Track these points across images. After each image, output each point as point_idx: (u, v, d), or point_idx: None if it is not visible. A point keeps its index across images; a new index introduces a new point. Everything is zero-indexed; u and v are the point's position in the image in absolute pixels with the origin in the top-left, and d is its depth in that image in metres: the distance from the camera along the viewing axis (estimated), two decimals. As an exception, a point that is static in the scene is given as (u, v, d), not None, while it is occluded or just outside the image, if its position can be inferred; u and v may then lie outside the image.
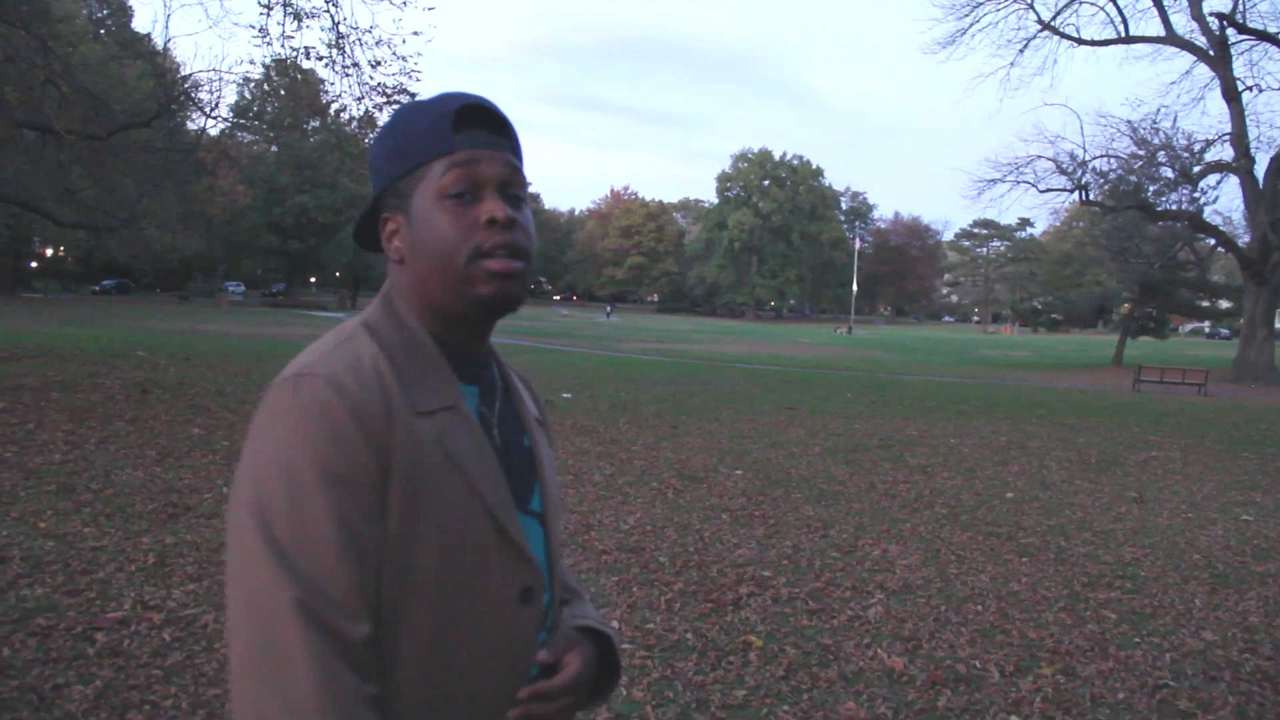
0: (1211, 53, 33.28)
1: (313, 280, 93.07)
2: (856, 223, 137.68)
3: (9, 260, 63.56)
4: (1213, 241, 39.71)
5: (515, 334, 47.74)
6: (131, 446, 9.22)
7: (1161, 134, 34.45)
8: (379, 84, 14.93)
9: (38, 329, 29.30)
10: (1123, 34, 35.71)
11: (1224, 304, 49.39)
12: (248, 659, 1.11)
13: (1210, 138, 34.53)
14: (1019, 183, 37.07)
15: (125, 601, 4.85)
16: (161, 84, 19.34)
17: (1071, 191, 36.80)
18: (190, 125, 23.52)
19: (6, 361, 16.69)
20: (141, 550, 5.75)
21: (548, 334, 47.74)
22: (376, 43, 14.65)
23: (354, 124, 18.15)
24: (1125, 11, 35.83)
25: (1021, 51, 37.21)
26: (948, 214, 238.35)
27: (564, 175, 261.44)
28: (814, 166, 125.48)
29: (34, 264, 71.71)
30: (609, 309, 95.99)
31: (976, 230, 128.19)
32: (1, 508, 6.55)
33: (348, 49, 14.62)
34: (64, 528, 6.14)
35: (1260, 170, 33.32)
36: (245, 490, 1.22)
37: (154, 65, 21.72)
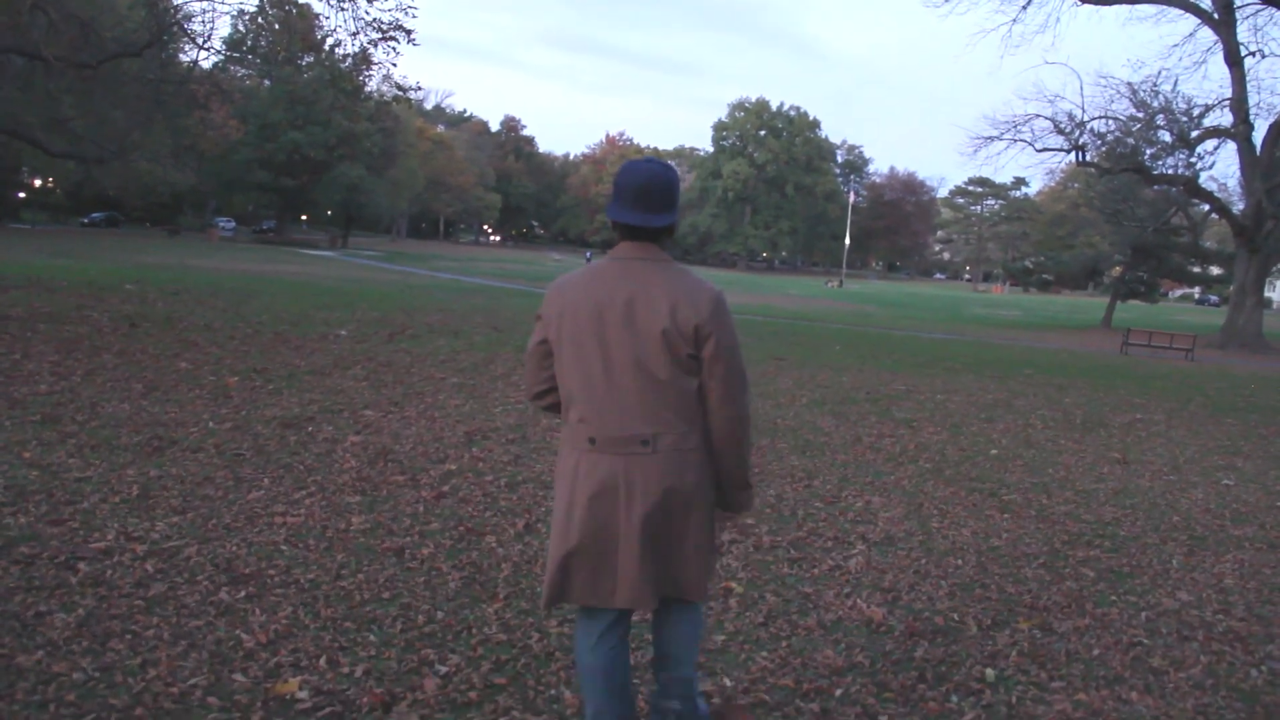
0: (1216, 16, 32.98)
1: (304, 218, 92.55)
2: (852, 176, 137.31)
3: (-3, 189, 62.97)
4: (1207, 207, 39.64)
5: (505, 277, 47.61)
6: (118, 379, 9.19)
7: (1161, 97, 34.25)
8: (374, 19, 14.78)
9: (25, 260, 29.11)
10: (1128, -7, 35.37)
11: (1215, 270, 49.48)
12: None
13: (1210, 102, 34.35)
14: (1016, 141, 36.87)
15: (108, 532, 4.86)
16: (153, 14, 19.06)
17: (1068, 152, 36.62)
18: (182, 57, 23.19)
19: (-7, 290, 16.60)
20: (126, 482, 5.75)
21: (537, 278, 47.61)
22: (373, -23, 14.47)
23: (349, 60, 17.92)
24: (1131, -30, 35.47)
25: (1025, 8, 36.95)
26: (943, 170, 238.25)
27: (560, 120, 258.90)
28: (811, 118, 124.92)
29: (22, 195, 71.09)
30: (588, 254, 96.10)
31: (971, 188, 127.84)
32: (-14, 436, 6.53)
33: (343, -17, 14.43)
34: (48, 458, 6.13)
35: (1259, 137, 33.19)
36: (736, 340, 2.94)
37: (146, -7, 21.42)
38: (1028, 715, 3.73)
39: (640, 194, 2.87)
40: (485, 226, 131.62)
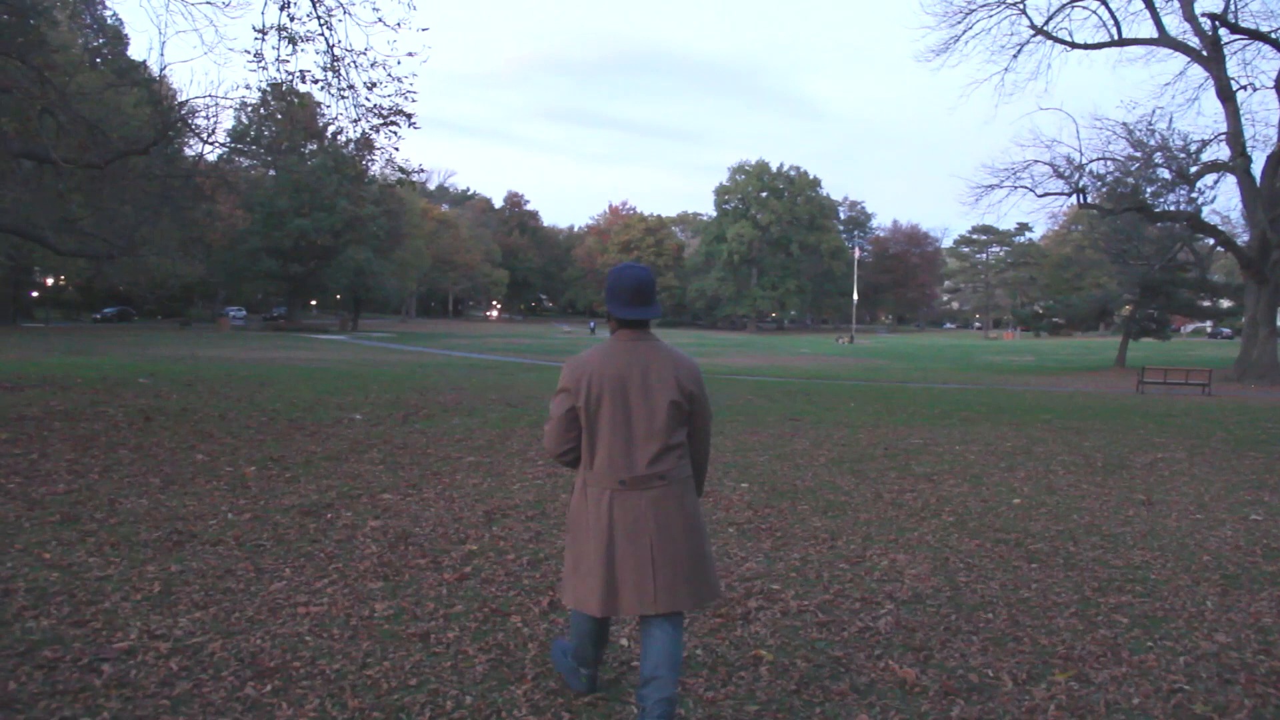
0: (1205, 53, 33.30)
1: (313, 303, 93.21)
2: (855, 232, 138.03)
3: (10, 290, 63.73)
4: (1212, 241, 39.73)
5: (516, 352, 47.73)
6: (135, 474, 9.20)
7: (1157, 135, 34.47)
8: (375, 105, 14.93)
9: (40, 359, 29.31)
10: (1116, 37, 35.72)
11: (1225, 303, 49.45)
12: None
13: (1206, 138, 34.58)
14: (1016, 188, 37.06)
15: (131, 631, 4.83)
16: (158, 111, 19.40)
17: (1069, 195, 36.76)
18: (188, 151, 23.54)
19: (9, 392, 16.68)
20: (147, 579, 5.72)
21: (548, 351, 47.76)
22: (371, 65, 14.64)
23: (351, 146, 18.14)
24: (1118, 14, 35.84)
25: (1015, 57, 37.22)
26: (946, 221, 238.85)
27: (563, 192, 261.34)
28: (811, 177, 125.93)
29: (35, 293, 71.92)
30: (592, 324, 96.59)
31: (975, 236, 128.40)
32: (6, 539, 6.52)
33: (343, 71, 14.62)
34: (69, 558, 6.11)
35: (1257, 168, 33.33)
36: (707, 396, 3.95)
37: (150, 92, 21.84)
38: (1072, 772, 3.65)
39: (635, 294, 3.85)
40: (494, 302, 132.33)
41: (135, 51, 66.90)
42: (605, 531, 3.75)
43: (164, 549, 6.43)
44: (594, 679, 4.24)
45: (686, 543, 3.80)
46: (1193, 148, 34.32)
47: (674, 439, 3.82)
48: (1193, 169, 34.22)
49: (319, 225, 73.03)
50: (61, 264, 55.40)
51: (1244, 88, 33.29)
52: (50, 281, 70.48)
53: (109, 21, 35.16)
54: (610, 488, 3.76)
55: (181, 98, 21.22)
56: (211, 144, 20.88)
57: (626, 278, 3.87)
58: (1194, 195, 35.27)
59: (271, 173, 70.02)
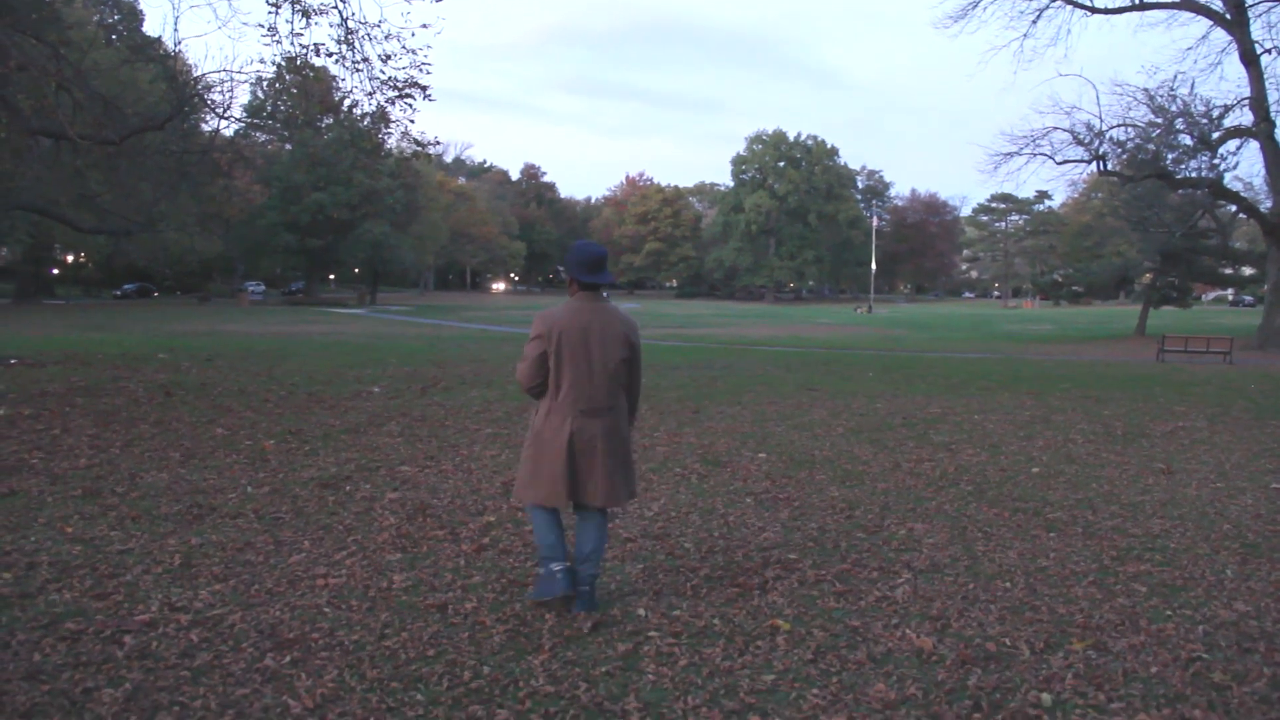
0: (1228, 16, 32.83)
1: (331, 277, 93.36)
2: (873, 201, 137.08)
3: (31, 268, 64.07)
4: (1234, 208, 39.30)
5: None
6: (156, 449, 9.26)
7: (1179, 101, 34.00)
8: (390, 78, 14.89)
9: (61, 335, 29.51)
10: (1136, 0, 35.28)
11: (1247, 271, 48.93)
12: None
13: (1229, 103, 34.03)
14: (1036, 155, 36.62)
15: (152, 604, 4.87)
16: (174, 87, 19.36)
17: (1089, 162, 36.36)
18: (204, 127, 23.51)
19: (32, 368, 16.81)
20: (167, 552, 5.77)
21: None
22: (386, 37, 14.60)
23: (366, 119, 18.08)
24: (1139, -22, 35.37)
25: (1034, 23, 36.68)
26: (965, 189, 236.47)
27: (580, 164, 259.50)
28: (829, 146, 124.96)
29: (55, 271, 72.30)
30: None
31: (994, 205, 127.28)
32: (29, 514, 6.59)
33: (357, 44, 14.57)
34: (91, 532, 6.17)
35: (1281, 134, 32.89)
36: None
37: (165, 68, 21.79)
38: (1089, 740, 3.64)
39: (596, 264, 5.00)
40: (512, 275, 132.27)
41: (150, 27, 67.01)
42: (566, 446, 4.83)
43: (184, 522, 6.48)
44: (569, 574, 4.99)
45: (623, 457, 5.06)
46: (1215, 113, 33.84)
47: (617, 382, 5.00)
48: (1215, 135, 33.78)
49: (336, 199, 73.01)
50: (81, 241, 55.58)
51: (1268, 51, 32.80)
52: (70, 259, 70.81)
53: (123, -2, 35.11)
54: (572, 414, 4.86)
55: (196, 73, 21.24)
56: (227, 119, 20.89)
57: (590, 251, 5.01)
58: (1216, 161, 34.81)
59: (288, 147, 70.05)
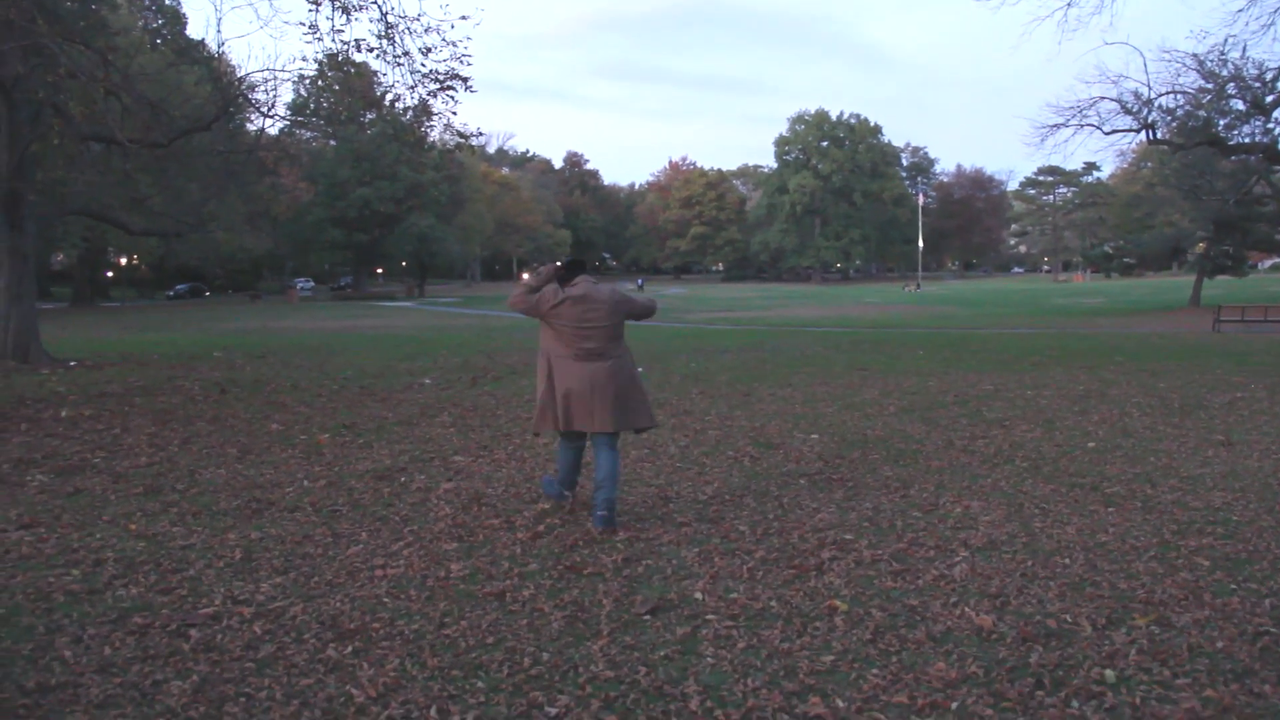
0: (1281, -26, 32.10)
1: (379, 271, 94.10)
2: (919, 178, 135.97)
3: (87, 271, 65.26)
4: (1290, 173, 38.49)
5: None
6: (213, 445, 9.40)
7: (1230, 65, 33.20)
8: (431, 71, 14.98)
9: (117, 336, 30.01)
10: (1185, -36, 34.59)
11: (1306, 237, 47.91)
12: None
13: (1283, 65, 33.36)
14: (1083, 126, 35.94)
15: (216, 597, 4.95)
16: (219, 88, 19.59)
17: (1138, 131, 35.67)
18: (249, 126, 23.74)
19: (91, 370, 17.12)
20: (228, 546, 5.86)
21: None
22: (425, 30, 14.69)
23: (409, 113, 18.21)
24: (1186, -60, 34.70)
25: (1079, -10, 36.11)
26: (1011, 163, 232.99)
27: (623, 150, 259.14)
28: (872, 124, 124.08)
29: (110, 274, 73.49)
30: (640, 281, 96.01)
31: (1042, 178, 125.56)
32: (94, 511, 6.72)
33: (397, 39, 14.67)
34: (153, 528, 6.28)
35: (1338, 95, 32.12)
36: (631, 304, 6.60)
37: (210, 70, 22.03)
38: (1154, 716, 3.59)
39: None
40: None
41: (193, 30, 67.69)
42: (573, 379, 6.08)
43: (243, 517, 6.58)
44: (573, 493, 6.74)
45: (633, 390, 6.28)
46: (1268, 76, 33.08)
47: (619, 333, 6.30)
48: (1269, 98, 33.03)
49: (381, 194, 73.60)
50: (133, 243, 56.49)
51: (1325, 9, 32.04)
52: (124, 261, 71.90)
53: (167, 2, 35.42)
54: (581, 358, 6.10)
55: (240, 74, 21.43)
56: (272, 118, 21.16)
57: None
58: (1270, 126, 34.05)
59: (332, 144, 70.54)
